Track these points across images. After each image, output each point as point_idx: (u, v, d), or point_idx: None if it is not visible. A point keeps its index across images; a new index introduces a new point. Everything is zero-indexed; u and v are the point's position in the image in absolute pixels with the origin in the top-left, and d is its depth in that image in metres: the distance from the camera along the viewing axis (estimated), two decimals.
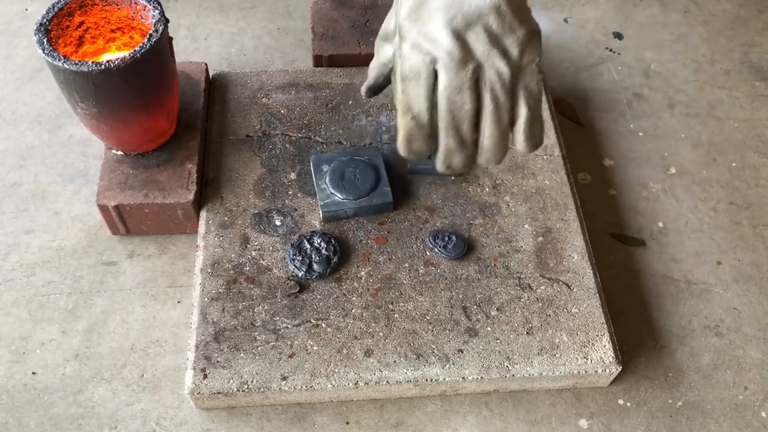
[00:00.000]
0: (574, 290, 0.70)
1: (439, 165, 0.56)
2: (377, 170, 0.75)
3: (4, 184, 0.81)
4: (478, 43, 0.52)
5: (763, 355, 0.73)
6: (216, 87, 0.84)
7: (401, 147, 0.56)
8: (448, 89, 0.53)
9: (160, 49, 0.67)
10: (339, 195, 0.73)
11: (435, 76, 0.53)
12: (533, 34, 0.54)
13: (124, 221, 0.75)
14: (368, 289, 0.69)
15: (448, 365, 0.65)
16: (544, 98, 0.84)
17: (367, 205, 0.73)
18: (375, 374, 0.65)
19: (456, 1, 0.52)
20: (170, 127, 0.76)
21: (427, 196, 0.76)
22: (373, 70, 0.63)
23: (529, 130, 0.54)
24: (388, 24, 0.60)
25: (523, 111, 0.54)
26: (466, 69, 0.52)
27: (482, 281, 0.70)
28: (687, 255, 0.79)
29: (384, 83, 0.64)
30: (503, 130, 0.54)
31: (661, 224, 0.82)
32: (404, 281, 0.70)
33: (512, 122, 0.55)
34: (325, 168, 0.75)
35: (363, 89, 0.65)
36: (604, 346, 0.67)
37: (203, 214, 0.74)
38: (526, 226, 0.74)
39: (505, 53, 0.52)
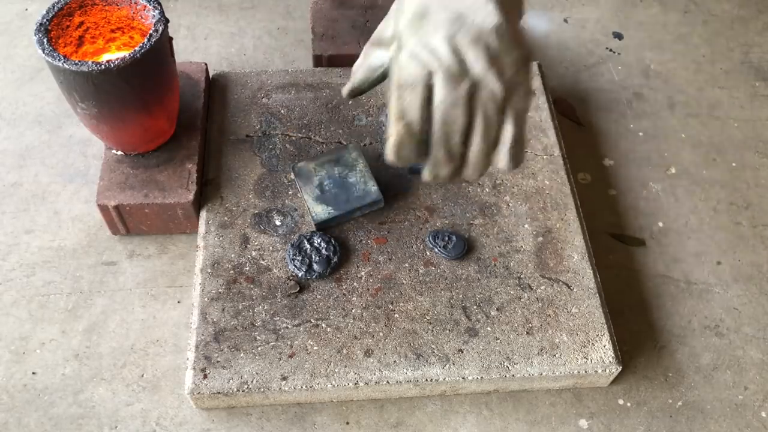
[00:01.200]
0: (574, 290, 0.70)
1: (427, 175, 0.57)
2: (359, 171, 0.75)
3: (4, 184, 0.81)
4: (477, 61, 0.53)
5: (763, 355, 0.73)
6: (216, 87, 0.84)
7: (390, 152, 0.57)
8: (444, 103, 0.53)
9: (160, 49, 0.67)
10: (326, 207, 0.73)
11: (431, 87, 0.53)
12: (527, 57, 0.55)
13: (124, 221, 0.75)
14: (368, 289, 0.69)
15: (448, 365, 0.65)
16: (544, 99, 0.84)
17: (357, 208, 0.73)
18: (375, 374, 0.65)
19: (460, 16, 0.53)
20: (170, 127, 0.76)
21: (427, 196, 0.76)
22: (359, 73, 0.63)
23: (514, 149, 0.56)
24: (384, 31, 0.60)
25: (509, 131, 0.55)
26: (462, 84, 0.53)
27: (482, 281, 0.70)
28: (687, 255, 0.79)
29: (367, 87, 0.64)
30: (489, 147, 0.56)
31: (661, 224, 0.82)
32: (404, 281, 0.70)
33: (497, 141, 0.56)
34: (306, 179, 0.74)
35: (345, 90, 0.64)
36: (604, 346, 0.67)
37: (203, 214, 0.74)
38: (526, 226, 0.74)
39: (501, 73, 0.53)
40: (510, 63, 0.53)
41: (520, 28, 0.55)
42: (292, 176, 0.76)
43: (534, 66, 0.87)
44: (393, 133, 0.56)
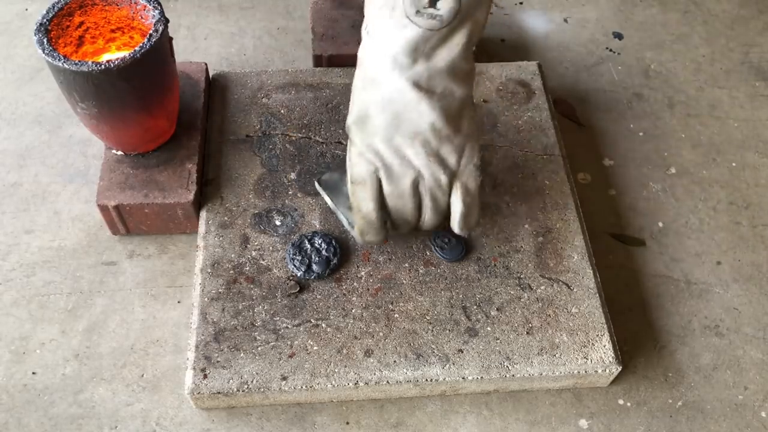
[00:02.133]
0: (574, 290, 0.70)
1: (358, 240, 0.65)
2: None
3: (4, 184, 0.81)
4: (417, 157, 0.58)
5: (763, 355, 0.73)
6: (216, 87, 0.84)
7: (357, 239, 0.65)
8: (390, 196, 0.60)
9: (160, 49, 0.67)
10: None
11: (380, 181, 0.60)
12: (469, 138, 0.59)
13: (124, 221, 0.75)
14: (368, 289, 0.69)
15: (448, 365, 0.65)
16: (544, 99, 0.84)
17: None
18: (375, 374, 0.65)
19: (395, 119, 0.57)
20: (170, 127, 0.76)
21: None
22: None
23: (463, 222, 0.63)
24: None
25: (458, 207, 0.62)
26: (405, 179, 0.59)
27: (482, 281, 0.70)
28: (687, 255, 0.79)
29: None
30: (441, 217, 0.63)
31: (661, 224, 0.82)
32: (404, 281, 0.70)
33: (449, 210, 0.63)
34: (335, 190, 0.71)
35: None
36: (604, 346, 0.67)
37: (203, 214, 0.74)
38: (526, 226, 0.74)
39: (442, 162, 0.59)
40: (451, 151, 0.59)
41: (462, 109, 0.59)
42: (319, 190, 0.72)
43: (534, 65, 0.87)
44: (356, 223, 0.64)
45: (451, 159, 0.59)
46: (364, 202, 0.61)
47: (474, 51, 0.58)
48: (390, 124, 0.57)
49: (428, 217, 0.63)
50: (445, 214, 0.63)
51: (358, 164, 0.60)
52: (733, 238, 0.81)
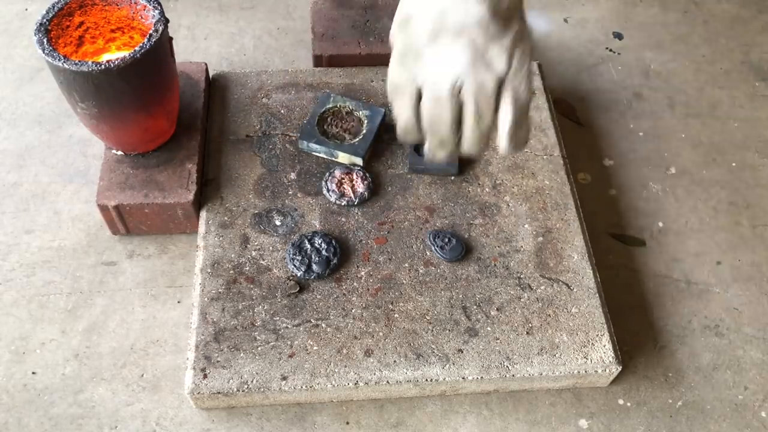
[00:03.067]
0: (574, 290, 0.70)
1: (427, 156, 0.60)
2: (367, 127, 0.78)
3: (4, 184, 0.81)
4: (462, 56, 0.54)
5: (763, 355, 0.73)
6: (216, 87, 0.84)
7: (399, 136, 0.60)
8: (427, 102, 0.55)
9: (160, 49, 0.67)
10: (318, 132, 0.78)
11: (419, 89, 0.56)
12: (521, 37, 0.55)
13: (124, 221, 0.75)
14: (368, 289, 0.69)
15: (448, 365, 0.65)
16: (544, 99, 0.84)
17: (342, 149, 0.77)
18: (375, 374, 0.65)
19: (440, 16, 0.54)
20: (170, 127, 0.76)
21: (427, 196, 0.76)
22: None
23: (512, 135, 0.56)
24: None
25: (507, 117, 0.55)
26: (447, 81, 0.54)
27: (482, 281, 0.70)
28: (687, 255, 0.79)
29: None
30: (483, 133, 0.57)
31: (661, 224, 0.82)
32: (404, 281, 0.70)
33: (495, 125, 0.57)
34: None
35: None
36: (604, 346, 0.67)
37: (203, 214, 0.74)
38: (526, 226, 0.74)
39: (489, 65, 0.54)
40: (500, 51, 0.54)
41: (514, 6, 0.55)
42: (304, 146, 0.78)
43: (534, 66, 0.87)
44: (397, 126, 0.59)
45: (499, 61, 0.54)
46: (402, 110, 0.58)
47: None
48: (435, 21, 0.54)
49: (467, 130, 0.56)
50: (488, 130, 0.57)
51: (397, 69, 0.57)
52: (733, 238, 0.81)
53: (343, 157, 0.77)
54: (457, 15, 0.53)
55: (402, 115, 0.58)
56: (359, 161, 0.76)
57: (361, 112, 0.79)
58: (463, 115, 0.56)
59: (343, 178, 0.75)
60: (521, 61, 0.55)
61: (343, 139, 0.78)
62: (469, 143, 0.58)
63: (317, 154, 0.77)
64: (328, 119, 0.79)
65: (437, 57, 0.54)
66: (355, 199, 0.74)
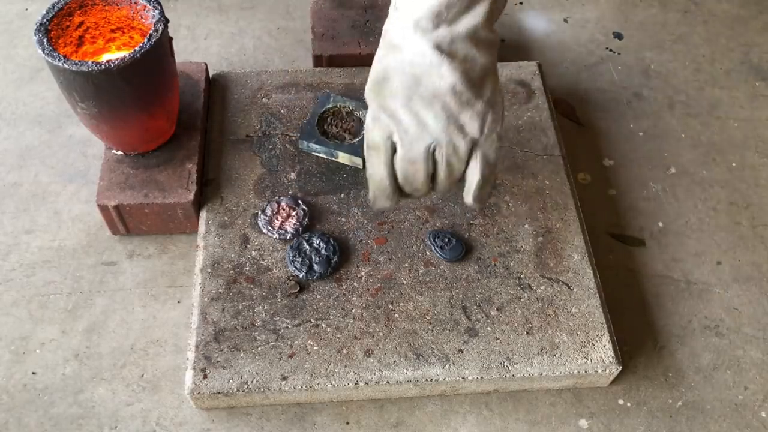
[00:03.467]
0: (574, 290, 0.70)
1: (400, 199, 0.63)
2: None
3: (4, 184, 0.81)
4: (436, 121, 0.56)
5: (763, 355, 0.73)
6: (216, 87, 0.84)
7: (372, 204, 0.62)
8: (403, 161, 0.58)
9: (160, 49, 0.67)
10: (318, 132, 0.78)
11: (394, 147, 0.58)
12: (493, 104, 0.57)
13: (124, 221, 0.75)
14: (368, 289, 0.69)
15: (448, 365, 0.65)
16: (544, 99, 0.84)
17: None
18: (375, 374, 0.65)
19: (414, 82, 0.55)
20: (170, 127, 0.76)
21: (427, 197, 0.76)
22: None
23: (479, 193, 0.60)
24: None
25: (475, 177, 0.58)
26: (421, 144, 0.56)
27: (482, 281, 0.70)
28: (687, 255, 0.79)
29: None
30: (453, 183, 0.60)
31: (661, 224, 0.82)
32: (404, 281, 0.70)
33: (463, 178, 0.60)
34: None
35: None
36: (604, 346, 0.67)
37: (203, 214, 0.74)
38: (526, 226, 0.74)
39: (461, 129, 0.56)
40: (473, 117, 0.56)
41: (486, 73, 0.57)
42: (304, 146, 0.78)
43: (534, 65, 0.87)
44: (370, 188, 0.61)
45: (472, 126, 0.57)
46: (377, 168, 0.59)
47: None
48: (409, 86, 0.56)
49: (441, 184, 0.60)
50: (458, 181, 0.60)
51: (372, 129, 0.59)
52: (733, 238, 0.81)
53: (343, 157, 0.77)
54: (430, 81, 0.55)
55: (376, 174, 0.60)
56: (359, 161, 0.76)
57: (361, 112, 0.79)
58: (436, 171, 0.59)
59: (276, 215, 0.73)
60: (492, 126, 0.57)
61: (343, 139, 0.78)
62: (440, 193, 0.61)
63: (317, 154, 0.77)
64: (328, 119, 0.79)
65: (412, 119, 0.56)
66: (286, 234, 0.72)
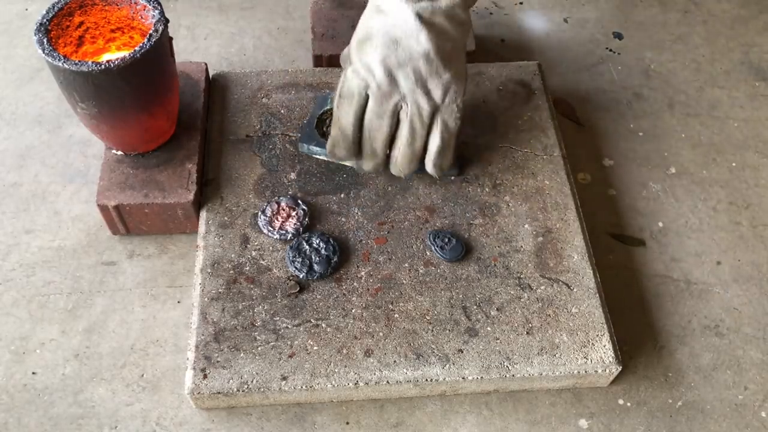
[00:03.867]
0: (574, 290, 0.70)
1: (355, 166, 0.71)
2: None
3: (4, 184, 0.81)
4: (406, 81, 0.63)
5: (763, 355, 0.73)
6: (216, 87, 0.84)
7: (327, 150, 0.69)
8: (370, 113, 0.65)
9: (160, 49, 0.67)
10: (317, 135, 0.78)
11: (365, 100, 0.64)
12: (458, 78, 0.64)
13: (124, 221, 0.75)
14: (368, 289, 0.69)
15: (448, 365, 0.65)
16: (544, 99, 0.84)
17: None
18: (375, 374, 0.65)
19: (393, 43, 0.63)
20: (170, 127, 0.76)
21: (427, 196, 0.76)
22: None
23: (438, 159, 0.67)
24: (345, 55, 0.70)
25: (435, 142, 0.66)
26: (390, 100, 0.64)
27: (482, 281, 0.70)
28: (687, 255, 0.79)
29: None
30: (414, 153, 0.67)
31: (661, 224, 0.82)
32: (404, 281, 0.70)
33: (425, 147, 0.67)
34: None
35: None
36: (604, 346, 0.67)
37: (203, 214, 0.74)
38: (526, 226, 0.74)
39: (428, 93, 0.64)
40: (438, 84, 0.64)
41: (455, 53, 0.65)
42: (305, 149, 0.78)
43: (534, 65, 0.87)
44: (331, 135, 0.68)
45: (437, 92, 0.64)
46: (346, 115, 0.66)
47: (471, 11, 0.67)
48: (388, 46, 0.63)
49: (399, 147, 0.66)
50: (419, 151, 0.66)
51: (350, 79, 0.65)
52: (733, 238, 0.81)
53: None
54: (408, 44, 0.62)
55: (344, 120, 0.66)
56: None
57: None
58: (397, 135, 0.65)
59: (276, 215, 0.73)
60: (454, 96, 0.64)
61: None
62: (399, 162, 0.67)
63: (318, 156, 0.77)
64: (327, 121, 0.78)
65: (386, 76, 0.63)
66: (287, 234, 0.72)
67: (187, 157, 0.75)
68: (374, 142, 0.66)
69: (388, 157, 0.68)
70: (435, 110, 0.64)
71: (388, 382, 0.65)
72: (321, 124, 0.78)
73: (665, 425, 0.68)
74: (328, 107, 0.79)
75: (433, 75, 0.63)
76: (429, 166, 0.67)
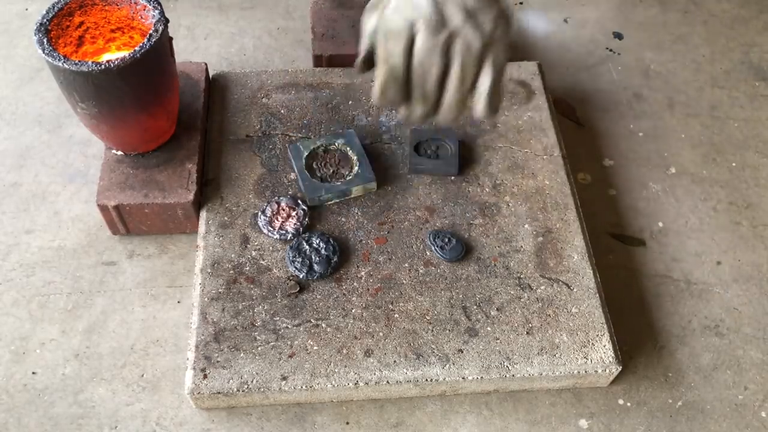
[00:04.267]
0: (574, 290, 0.70)
1: (402, 112, 0.63)
2: (355, 153, 0.77)
3: (4, 184, 0.81)
4: (455, 14, 0.59)
5: (763, 355, 0.73)
6: (216, 87, 0.84)
7: (376, 93, 0.62)
8: (421, 49, 0.59)
9: (160, 49, 0.67)
10: (318, 182, 0.75)
11: (413, 37, 0.59)
12: (504, 15, 0.61)
13: (124, 221, 0.75)
14: (368, 289, 0.69)
15: (448, 365, 0.65)
16: (544, 99, 0.84)
17: (348, 189, 0.74)
18: (375, 374, 0.65)
19: None
20: (170, 127, 0.76)
21: (427, 196, 0.76)
22: (363, 42, 0.67)
23: (490, 98, 0.61)
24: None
25: (486, 80, 0.61)
26: (440, 35, 0.59)
27: (482, 281, 0.70)
28: (687, 255, 0.79)
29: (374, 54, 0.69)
30: (464, 94, 0.62)
31: (661, 224, 0.82)
32: (404, 281, 0.70)
33: (474, 89, 0.62)
34: (303, 156, 0.77)
35: (357, 63, 0.68)
36: (604, 346, 0.67)
37: (203, 214, 0.74)
38: (526, 226, 0.74)
39: (478, 26, 0.59)
40: (488, 18, 0.60)
41: None
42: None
43: (534, 65, 0.87)
44: (379, 76, 0.62)
45: (487, 26, 0.60)
46: (394, 52, 0.61)
47: None
48: None
49: (451, 87, 0.61)
50: (467, 93, 0.62)
51: (393, 18, 0.61)
52: (733, 238, 0.81)
53: (357, 190, 0.75)
54: None
55: (394, 59, 0.60)
56: (373, 185, 0.75)
57: (336, 143, 0.77)
58: (448, 75, 0.60)
59: (276, 215, 0.73)
60: (504, 30, 0.60)
61: (343, 176, 0.76)
62: (448, 105, 0.62)
63: (332, 202, 0.75)
64: (314, 164, 0.76)
65: (435, 9, 0.59)
66: (287, 234, 0.72)
67: (187, 157, 0.75)
68: (426, 84, 0.62)
69: (436, 103, 0.64)
70: (485, 46, 0.60)
71: (388, 382, 0.65)
72: (312, 172, 0.76)
73: (665, 425, 0.68)
74: (307, 153, 0.77)
75: (482, 10, 0.60)
76: (480, 108, 0.62)
